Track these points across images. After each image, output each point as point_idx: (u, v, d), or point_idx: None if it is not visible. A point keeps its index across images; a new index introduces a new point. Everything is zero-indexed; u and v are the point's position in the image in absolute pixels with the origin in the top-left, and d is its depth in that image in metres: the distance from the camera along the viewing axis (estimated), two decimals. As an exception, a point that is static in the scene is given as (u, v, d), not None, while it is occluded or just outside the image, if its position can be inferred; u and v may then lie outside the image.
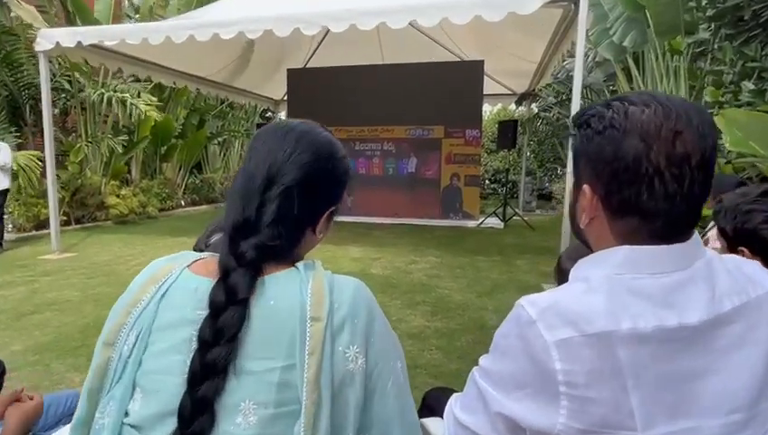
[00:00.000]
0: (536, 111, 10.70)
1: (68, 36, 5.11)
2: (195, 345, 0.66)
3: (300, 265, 0.71)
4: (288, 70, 8.78)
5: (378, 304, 0.73)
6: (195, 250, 0.97)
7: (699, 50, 4.08)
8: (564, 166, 10.55)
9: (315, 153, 0.74)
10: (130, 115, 8.19)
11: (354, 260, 5.15)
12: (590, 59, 7.55)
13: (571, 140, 0.73)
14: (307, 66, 9.10)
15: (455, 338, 3.04)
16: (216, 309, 0.65)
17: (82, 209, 7.65)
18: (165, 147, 9.81)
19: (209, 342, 0.64)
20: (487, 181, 12.62)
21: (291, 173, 0.71)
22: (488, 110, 11.81)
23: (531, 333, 0.61)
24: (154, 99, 8.57)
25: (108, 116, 8.45)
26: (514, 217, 8.21)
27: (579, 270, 0.70)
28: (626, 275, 0.63)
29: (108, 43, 5.25)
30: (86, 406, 0.71)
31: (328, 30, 4.67)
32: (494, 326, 0.69)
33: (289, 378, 0.64)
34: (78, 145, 7.73)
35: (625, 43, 6.36)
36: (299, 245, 0.75)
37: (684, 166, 0.60)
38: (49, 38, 5.15)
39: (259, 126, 9.86)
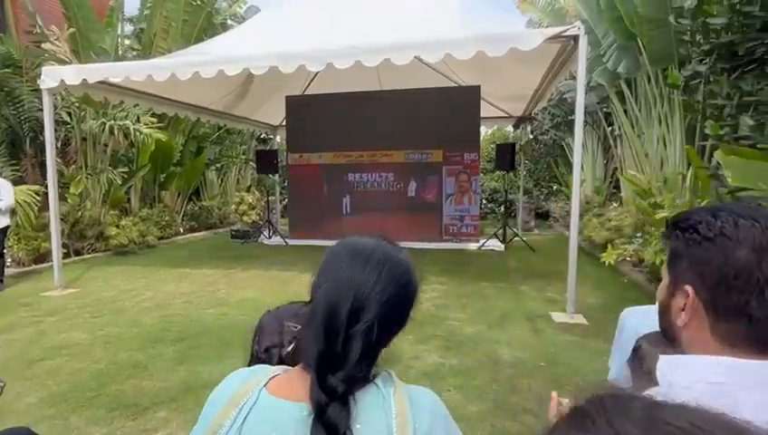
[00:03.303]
0: (531, 135, 10.98)
1: (73, 74, 5.14)
2: None
3: (378, 380, 0.74)
4: (287, 97, 8.88)
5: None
6: (258, 356, 1.01)
7: (695, 82, 4.19)
8: (560, 184, 10.73)
9: (396, 284, 0.77)
10: (131, 143, 8.14)
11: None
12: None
13: (668, 241, 0.76)
14: (305, 93, 9.21)
15: (470, 376, 3.04)
16: None
17: (81, 241, 7.60)
18: (164, 174, 9.82)
19: None
20: (484, 201, 12.73)
21: (374, 309, 0.74)
22: (484, 131, 12.01)
23: None
24: (154, 120, 8.53)
25: (107, 145, 8.44)
26: (514, 238, 8.28)
27: (675, 376, 0.68)
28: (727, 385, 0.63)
29: (113, 80, 5.29)
30: None
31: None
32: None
33: None
34: (78, 177, 7.71)
35: (618, 70, 6.53)
36: (376, 364, 0.78)
37: None
38: (53, 76, 5.16)
39: (258, 152, 9.89)
